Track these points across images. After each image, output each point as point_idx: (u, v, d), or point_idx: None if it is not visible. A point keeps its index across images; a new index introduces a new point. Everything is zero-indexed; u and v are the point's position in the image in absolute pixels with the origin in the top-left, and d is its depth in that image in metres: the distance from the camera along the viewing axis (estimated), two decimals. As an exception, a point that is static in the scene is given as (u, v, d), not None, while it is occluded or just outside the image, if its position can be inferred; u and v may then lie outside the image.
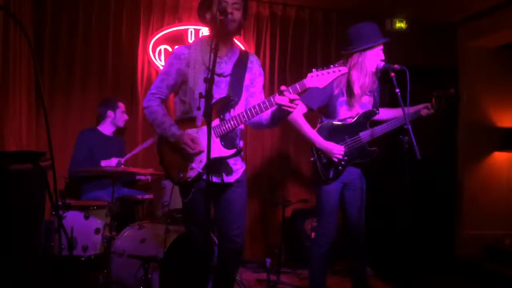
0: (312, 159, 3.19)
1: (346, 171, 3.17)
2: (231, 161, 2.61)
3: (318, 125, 3.22)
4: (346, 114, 3.17)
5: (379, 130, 3.17)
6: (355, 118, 3.16)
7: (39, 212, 1.67)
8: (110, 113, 4.21)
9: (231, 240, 2.60)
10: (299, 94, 2.37)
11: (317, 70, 2.37)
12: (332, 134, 3.16)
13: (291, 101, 2.33)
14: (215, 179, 2.55)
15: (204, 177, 2.50)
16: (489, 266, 4.85)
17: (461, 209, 5.34)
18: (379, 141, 3.22)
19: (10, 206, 1.45)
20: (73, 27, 4.50)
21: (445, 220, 5.31)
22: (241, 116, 2.45)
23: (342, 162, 3.12)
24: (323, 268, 3.24)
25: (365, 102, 3.21)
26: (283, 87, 2.34)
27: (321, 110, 3.23)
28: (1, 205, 1.41)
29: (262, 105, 2.42)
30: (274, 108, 2.45)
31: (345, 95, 3.13)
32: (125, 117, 4.30)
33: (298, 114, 3.14)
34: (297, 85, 2.37)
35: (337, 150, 3.10)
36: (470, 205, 5.32)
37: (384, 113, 3.33)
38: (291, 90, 2.35)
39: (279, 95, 2.36)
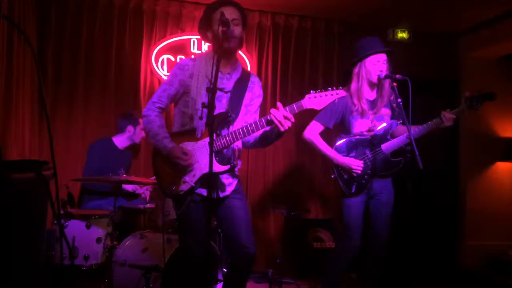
0: (332, 176, 3.20)
1: (372, 183, 3.16)
2: (223, 177, 2.60)
3: (336, 143, 3.22)
4: (361, 127, 3.18)
5: (399, 141, 3.12)
6: (374, 132, 3.16)
7: (41, 221, 1.67)
8: (130, 128, 4.23)
9: (243, 246, 2.54)
10: (295, 114, 2.40)
11: (315, 92, 2.41)
12: (352, 149, 3.16)
13: (285, 118, 2.35)
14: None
15: (197, 191, 2.52)
16: (492, 277, 4.82)
17: (464, 220, 5.32)
18: (404, 149, 3.19)
19: (12, 214, 1.45)
20: (76, 37, 4.53)
21: (448, 230, 5.29)
22: (237, 132, 2.46)
23: (365, 176, 3.12)
24: (339, 282, 3.23)
25: (382, 114, 3.21)
26: (279, 104, 2.37)
27: (337, 127, 3.25)
28: (2, 214, 1.41)
29: (258, 123, 2.44)
30: (270, 127, 2.46)
31: (353, 108, 3.15)
32: (143, 134, 4.31)
33: (314, 134, 3.20)
34: (294, 105, 2.41)
35: (355, 164, 3.09)
36: (473, 216, 5.29)
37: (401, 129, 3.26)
38: (288, 110, 2.38)
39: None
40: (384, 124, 3.18)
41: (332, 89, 2.40)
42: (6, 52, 3.65)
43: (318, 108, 2.42)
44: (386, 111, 3.23)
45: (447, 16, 4.97)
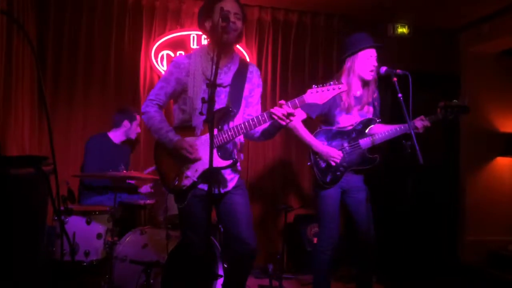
0: (309, 163, 3.21)
1: (346, 178, 3.17)
2: (225, 172, 2.59)
3: (316, 131, 3.23)
4: (345, 122, 3.20)
5: (378, 137, 3.16)
6: (354, 126, 3.18)
7: (41, 217, 1.67)
8: (126, 123, 4.22)
9: (243, 242, 2.52)
10: (296, 108, 2.39)
11: (317, 87, 2.39)
12: (330, 140, 3.18)
13: (288, 115, 2.34)
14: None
15: (200, 186, 2.51)
16: (492, 272, 4.83)
17: (464, 215, 5.32)
18: (381, 146, 3.21)
19: (12, 210, 1.45)
20: (76, 33, 4.52)
21: (448, 226, 5.30)
22: (239, 127, 2.46)
23: (341, 168, 3.13)
24: (327, 274, 3.23)
25: (365, 111, 3.24)
26: (282, 102, 2.36)
27: (320, 119, 3.25)
28: (2, 210, 1.41)
29: (260, 118, 2.43)
30: (271, 121, 2.46)
31: (341, 104, 3.15)
32: (138, 130, 4.32)
33: (297, 120, 3.17)
34: (296, 100, 2.38)
35: (334, 153, 3.12)
36: (473, 211, 5.30)
37: (380, 128, 3.25)
38: (290, 105, 2.36)
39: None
40: (363, 120, 3.19)
41: (334, 83, 2.38)
42: (5, 48, 3.64)
43: (321, 103, 2.40)
44: (369, 109, 3.25)
45: (447, 11, 4.95)
